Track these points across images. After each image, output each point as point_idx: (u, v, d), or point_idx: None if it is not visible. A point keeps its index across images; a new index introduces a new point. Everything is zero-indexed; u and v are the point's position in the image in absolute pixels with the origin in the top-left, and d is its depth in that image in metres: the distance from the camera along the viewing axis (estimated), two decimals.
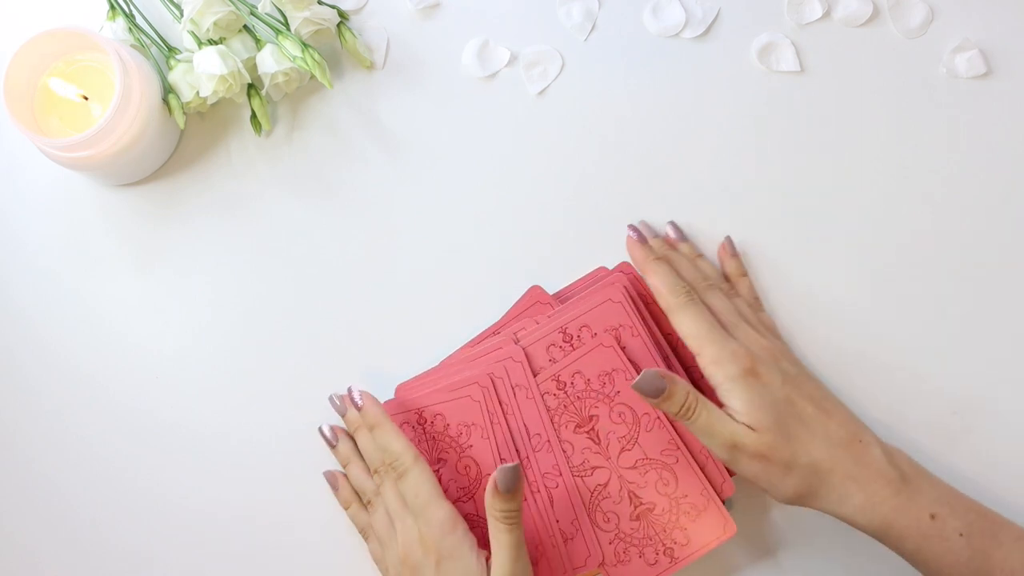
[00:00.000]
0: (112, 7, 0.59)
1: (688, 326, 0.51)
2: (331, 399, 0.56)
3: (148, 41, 0.59)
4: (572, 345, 0.54)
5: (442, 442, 0.54)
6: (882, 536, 0.48)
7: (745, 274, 0.57)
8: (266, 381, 0.58)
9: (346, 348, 0.58)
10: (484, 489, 0.50)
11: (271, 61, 0.57)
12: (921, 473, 0.49)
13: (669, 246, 0.57)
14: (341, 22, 0.59)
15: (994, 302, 0.56)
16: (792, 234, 0.58)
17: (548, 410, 0.53)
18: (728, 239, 0.57)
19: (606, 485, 0.53)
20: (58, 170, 0.60)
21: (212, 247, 0.59)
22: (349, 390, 0.55)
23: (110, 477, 0.58)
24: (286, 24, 0.58)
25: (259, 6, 0.58)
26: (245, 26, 0.58)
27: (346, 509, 0.55)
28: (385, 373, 0.57)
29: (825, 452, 0.48)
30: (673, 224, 0.57)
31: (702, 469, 0.52)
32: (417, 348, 0.57)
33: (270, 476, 0.57)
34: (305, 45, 0.57)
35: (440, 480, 0.52)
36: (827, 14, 0.60)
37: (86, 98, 0.56)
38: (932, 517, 0.47)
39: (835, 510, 0.48)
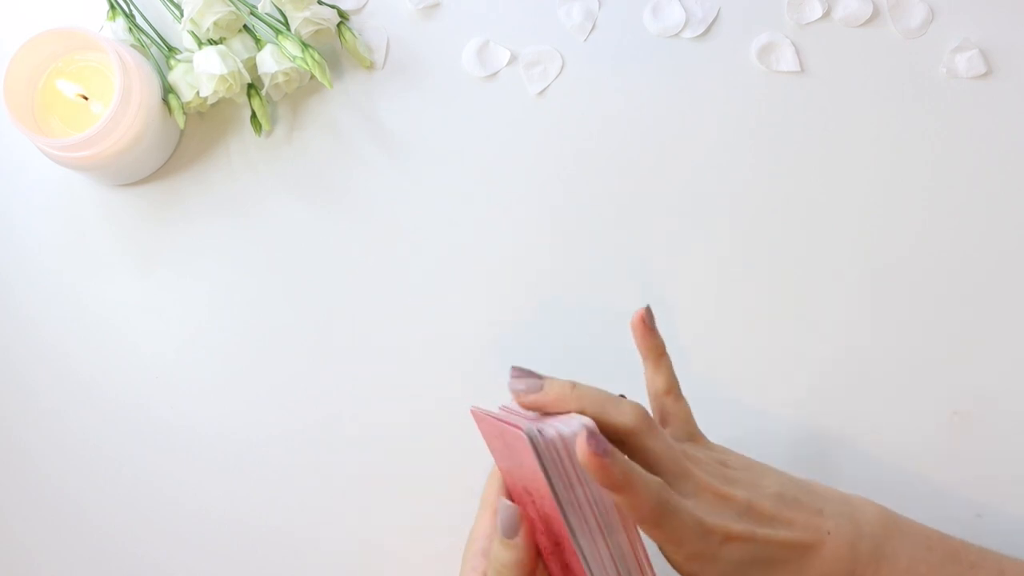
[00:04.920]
0: (112, 7, 0.59)
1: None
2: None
3: (148, 41, 0.59)
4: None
5: None
6: None
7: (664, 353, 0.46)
8: (266, 381, 0.58)
9: (346, 348, 0.58)
10: None
11: (271, 61, 0.57)
12: (889, 525, 0.44)
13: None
14: (341, 22, 0.59)
15: (995, 302, 0.56)
16: (792, 234, 0.58)
17: None
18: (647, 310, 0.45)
19: None
20: (58, 170, 0.60)
21: (212, 247, 0.59)
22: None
23: (110, 477, 0.57)
24: (286, 24, 0.58)
25: (259, 6, 0.58)
26: (245, 26, 0.58)
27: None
28: (384, 374, 0.57)
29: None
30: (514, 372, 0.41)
31: None
32: (416, 347, 0.57)
33: (270, 476, 0.57)
34: (305, 45, 0.57)
35: None
36: (827, 14, 0.60)
37: (86, 98, 0.56)
38: None
39: None
